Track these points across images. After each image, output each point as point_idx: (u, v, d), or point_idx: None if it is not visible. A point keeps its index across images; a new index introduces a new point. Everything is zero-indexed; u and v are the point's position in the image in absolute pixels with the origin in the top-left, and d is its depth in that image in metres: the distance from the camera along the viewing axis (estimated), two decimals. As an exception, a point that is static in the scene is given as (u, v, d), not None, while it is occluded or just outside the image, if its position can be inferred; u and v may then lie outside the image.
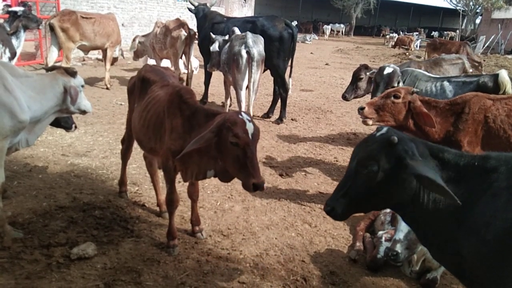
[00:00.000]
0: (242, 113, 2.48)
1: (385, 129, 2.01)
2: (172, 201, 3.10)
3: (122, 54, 10.52)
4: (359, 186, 1.97)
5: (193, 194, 3.35)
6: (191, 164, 2.77)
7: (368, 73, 5.49)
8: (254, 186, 2.37)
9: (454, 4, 37.13)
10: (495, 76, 4.41)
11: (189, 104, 2.80)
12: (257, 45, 5.84)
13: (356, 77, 5.64)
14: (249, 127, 2.40)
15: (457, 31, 36.77)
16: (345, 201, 2.01)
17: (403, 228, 2.82)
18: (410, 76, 4.71)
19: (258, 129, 2.48)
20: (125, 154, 3.99)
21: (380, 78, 4.67)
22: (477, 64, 12.73)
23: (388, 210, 3.65)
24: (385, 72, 4.63)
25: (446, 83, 4.50)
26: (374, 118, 3.60)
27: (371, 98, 4.69)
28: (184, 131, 2.75)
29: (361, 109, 3.63)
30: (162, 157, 3.02)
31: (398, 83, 4.60)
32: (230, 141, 2.37)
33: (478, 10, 34.70)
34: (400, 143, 1.89)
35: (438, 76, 4.98)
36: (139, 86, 3.47)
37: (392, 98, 3.56)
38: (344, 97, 5.77)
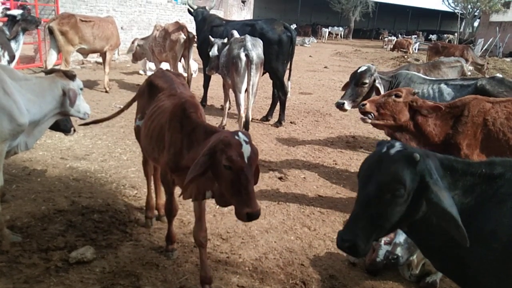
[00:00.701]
0: (239, 134, 2.25)
1: (398, 144, 1.79)
2: (171, 210, 3.04)
3: (117, 52, 10.50)
4: (383, 214, 1.74)
5: (200, 235, 2.82)
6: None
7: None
8: (248, 216, 2.14)
9: (452, 7, 37.29)
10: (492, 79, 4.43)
11: (191, 119, 2.62)
12: (256, 48, 5.85)
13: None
14: (245, 149, 2.17)
15: (456, 34, 36.86)
16: (367, 233, 1.74)
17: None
18: (404, 79, 4.72)
19: (256, 152, 2.26)
20: (146, 167, 3.67)
21: (353, 76, 4.79)
22: (480, 66, 12.71)
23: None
24: (359, 70, 4.75)
25: (443, 86, 4.51)
26: (375, 116, 3.60)
27: (344, 95, 4.80)
28: (183, 147, 2.60)
29: (362, 105, 3.64)
30: (161, 169, 2.96)
31: (374, 81, 4.65)
32: (223, 164, 2.16)
33: (476, 13, 34.82)
34: (421, 160, 1.71)
35: (433, 78, 4.98)
36: (147, 91, 3.38)
37: (394, 97, 3.57)
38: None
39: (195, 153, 2.42)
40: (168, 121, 2.72)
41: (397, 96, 3.57)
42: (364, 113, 3.64)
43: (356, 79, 4.72)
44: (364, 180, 1.78)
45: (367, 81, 4.65)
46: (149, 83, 3.40)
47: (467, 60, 12.57)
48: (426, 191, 1.67)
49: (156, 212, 3.77)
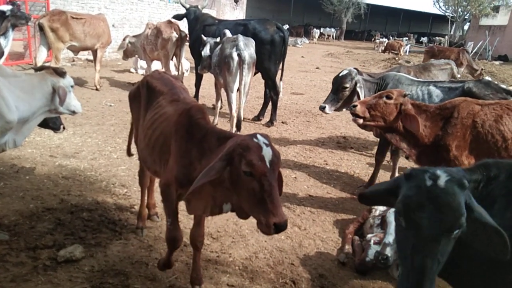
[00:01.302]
0: (258, 136, 2.04)
1: (440, 172, 1.58)
2: (174, 239, 2.57)
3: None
4: (447, 251, 1.56)
5: (197, 239, 2.71)
6: (204, 195, 2.29)
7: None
8: (276, 227, 1.90)
9: (443, 10, 37.68)
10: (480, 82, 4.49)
11: (200, 126, 2.39)
12: (248, 48, 5.85)
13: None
14: (266, 152, 1.97)
15: (446, 37, 37.27)
16: (434, 276, 1.57)
17: (393, 231, 2.84)
18: (392, 80, 4.76)
19: (278, 155, 2.04)
20: (143, 179, 3.45)
21: (335, 80, 4.88)
22: (473, 71, 12.53)
23: (377, 213, 3.68)
24: (340, 74, 4.82)
25: (432, 88, 4.55)
26: (366, 118, 3.64)
27: (326, 99, 4.92)
28: (194, 158, 2.31)
29: (353, 106, 3.67)
30: (163, 183, 2.56)
31: (355, 84, 4.71)
32: (243, 171, 1.95)
33: (466, 17, 35.24)
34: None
35: (421, 80, 5.03)
36: (144, 94, 3.07)
37: (385, 98, 3.60)
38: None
39: (208, 162, 2.15)
40: (174, 131, 2.47)
41: (388, 97, 3.60)
42: (355, 114, 3.66)
43: (337, 83, 4.81)
44: (418, 225, 1.52)
45: (347, 85, 4.72)
46: (145, 85, 3.10)
47: (462, 64, 12.59)
48: (470, 212, 1.55)
49: (147, 213, 3.65)
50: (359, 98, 4.59)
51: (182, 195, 2.42)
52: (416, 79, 4.99)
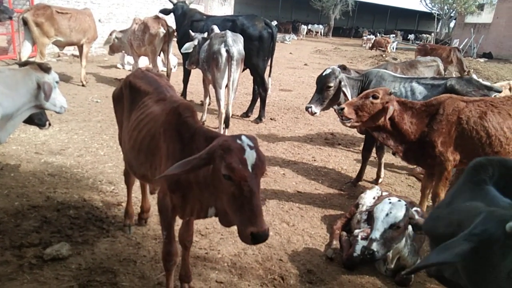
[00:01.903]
0: (243, 137, 1.88)
1: (490, 221, 1.50)
2: (169, 254, 2.45)
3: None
4: None
5: (186, 238, 2.68)
6: (191, 198, 2.23)
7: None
8: (253, 237, 1.76)
9: (429, 7, 38.08)
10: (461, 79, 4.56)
11: (189, 125, 2.26)
12: (236, 44, 5.83)
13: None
14: (249, 155, 1.81)
15: (432, 34, 37.66)
16: None
17: (379, 227, 2.87)
18: (375, 77, 4.79)
19: (263, 159, 1.87)
20: (128, 178, 3.41)
21: (318, 80, 4.80)
22: (462, 71, 12.49)
23: (364, 209, 3.71)
24: (323, 73, 4.75)
25: (415, 84, 4.60)
26: (353, 119, 3.66)
27: (312, 99, 4.81)
28: (183, 159, 2.05)
29: (340, 109, 3.68)
30: (159, 192, 2.46)
31: (340, 83, 4.65)
32: (223, 174, 1.82)
33: (452, 14, 35.67)
34: None
35: (403, 76, 5.08)
36: (127, 95, 2.93)
37: (371, 98, 3.63)
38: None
39: None
40: (162, 131, 2.34)
41: (374, 97, 3.62)
42: (343, 116, 3.67)
43: (322, 83, 4.73)
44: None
45: (332, 84, 4.65)
46: (128, 85, 2.95)
47: (452, 62, 12.65)
48: None
49: (136, 217, 3.57)
50: (346, 97, 4.59)
51: (178, 206, 2.32)
52: (399, 75, 5.03)
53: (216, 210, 2.16)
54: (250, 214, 1.76)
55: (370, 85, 4.71)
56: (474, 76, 4.59)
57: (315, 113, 4.79)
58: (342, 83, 4.66)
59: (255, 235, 1.75)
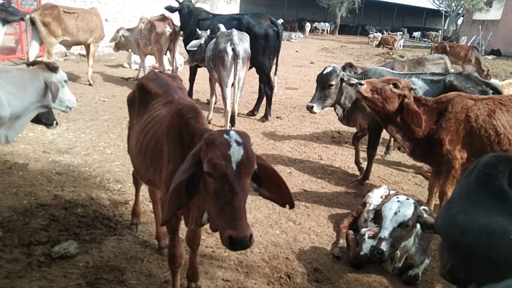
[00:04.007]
0: (231, 132, 1.75)
1: None
2: (174, 257, 2.43)
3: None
4: None
5: (193, 241, 2.67)
6: (192, 205, 2.11)
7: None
8: (231, 241, 1.59)
9: (437, 4, 37.72)
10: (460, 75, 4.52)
11: (190, 126, 2.15)
12: (242, 43, 5.83)
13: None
14: (234, 151, 1.66)
15: (440, 31, 37.34)
16: None
17: (388, 226, 2.85)
18: (374, 74, 4.74)
19: (252, 158, 1.73)
20: (137, 180, 3.37)
21: (319, 78, 4.73)
22: (481, 71, 12.11)
23: (371, 208, 3.69)
24: (324, 72, 4.67)
25: (415, 79, 4.56)
26: (367, 97, 3.59)
27: (313, 98, 4.73)
28: (181, 162, 1.92)
29: (359, 84, 3.62)
30: (161, 198, 2.42)
31: (342, 81, 4.59)
32: (205, 171, 1.69)
33: (460, 11, 35.32)
34: None
35: (402, 72, 5.04)
36: (138, 98, 2.89)
37: (391, 86, 3.57)
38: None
39: None
40: (166, 133, 2.26)
41: (395, 86, 3.56)
42: (359, 92, 3.60)
43: (323, 81, 4.65)
44: None
45: (333, 82, 4.58)
46: (140, 87, 2.92)
47: (470, 61, 12.38)
48: None
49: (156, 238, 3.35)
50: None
51: (181, 213, 2.26)
52: (398, 72, 4.99)
53: (208, 214, 1.98)
54: (230, 216, 1.61)
55: None
56: (470, 71, 4.53)
57: (316, 112, 4.73)
58: (345, 79, 4.61)
59: (233, 239, 1.58)
